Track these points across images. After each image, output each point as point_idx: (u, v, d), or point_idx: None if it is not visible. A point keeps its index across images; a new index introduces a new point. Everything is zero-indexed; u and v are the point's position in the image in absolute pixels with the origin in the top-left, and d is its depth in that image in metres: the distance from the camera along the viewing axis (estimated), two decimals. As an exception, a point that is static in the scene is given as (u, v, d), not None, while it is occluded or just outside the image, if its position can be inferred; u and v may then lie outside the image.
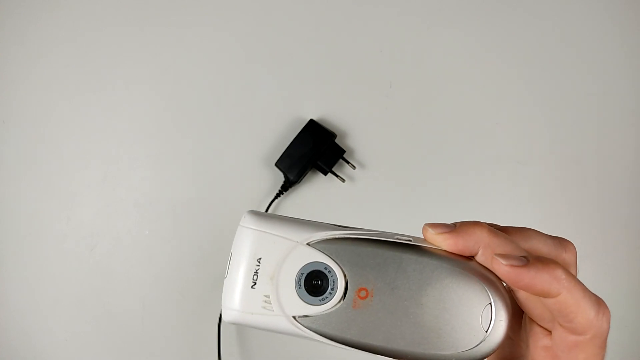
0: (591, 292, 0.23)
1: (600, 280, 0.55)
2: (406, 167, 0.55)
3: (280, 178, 0.54)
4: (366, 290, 0.24)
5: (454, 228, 0.24)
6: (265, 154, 0.55)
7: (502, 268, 0.23)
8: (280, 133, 0.55)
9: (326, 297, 0.24)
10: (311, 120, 0.54)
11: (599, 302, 0.23)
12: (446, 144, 0.56)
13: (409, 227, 0.56)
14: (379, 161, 0.55)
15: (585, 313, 0.22)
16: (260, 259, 0.24)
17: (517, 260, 0.22)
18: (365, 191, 0.55)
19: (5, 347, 0.55)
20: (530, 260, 0.22)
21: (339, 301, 0.24)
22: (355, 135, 0.55)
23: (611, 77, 0.56)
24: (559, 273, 0.22)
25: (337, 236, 0.24)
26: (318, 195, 0.55)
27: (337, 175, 0.54)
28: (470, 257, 0.24)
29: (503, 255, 0.23)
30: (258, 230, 0.25)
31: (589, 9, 0.56)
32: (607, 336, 0.23)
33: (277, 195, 0.53)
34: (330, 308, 0.24)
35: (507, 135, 0.56)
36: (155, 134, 0.56)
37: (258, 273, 0.24)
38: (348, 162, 0.54)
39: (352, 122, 0.55)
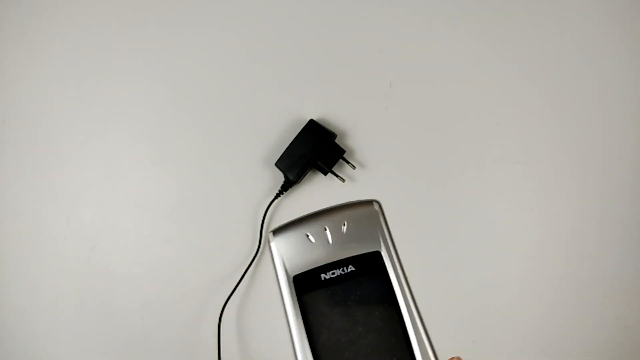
0: None
1: (601, 280, 0.55)
2: (406, 167, 0.55)
3: (280, 178, 0.54)
4: None
5: None
6: (265, 154, 0.55)
7: None
8: (280, 133, 0.55)
9: None
10: (311, 120, 0.54)
11: None
12: (446, 143, 0.56)
13: (409, 227, 0.56)
14: (379, 161, 0.55)
15: None
16: None
17: None
18: (365, 191, 0.55)
19: (5, 347, 0.55)
20: None
21: None
22: (355, 135, 0.55)
23: (612, 76, 0.56)
24: None
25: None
26: (318, 195, 0.55)
27: (337, 175, 0.54)
28: None
29: None
30: None
31: (590, 8, 0.56)
32: None
33: (277, 195, 0.53)
34: None
35: (507, 135, 0.56)
36: (155, 134, 0.56)
37: None
38: (348, 162, 0.54)
39: (352, 122, 0.55)
